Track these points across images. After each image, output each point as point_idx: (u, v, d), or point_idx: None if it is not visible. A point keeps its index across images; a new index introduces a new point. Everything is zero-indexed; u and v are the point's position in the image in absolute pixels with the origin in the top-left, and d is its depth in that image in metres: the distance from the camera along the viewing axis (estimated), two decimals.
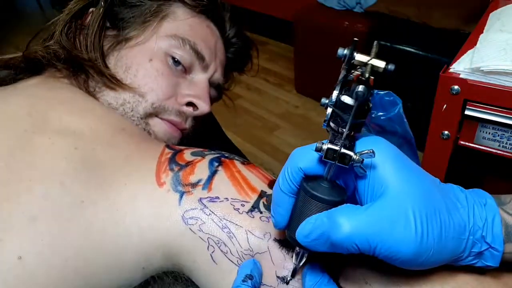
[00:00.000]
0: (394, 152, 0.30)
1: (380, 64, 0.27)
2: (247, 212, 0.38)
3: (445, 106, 0.60)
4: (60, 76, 0.53)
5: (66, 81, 0.53)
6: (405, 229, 0.27)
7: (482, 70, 0.55)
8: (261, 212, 0.38)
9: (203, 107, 0.57)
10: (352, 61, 0.27)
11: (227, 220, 0.37)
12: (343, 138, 0.28)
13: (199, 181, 0.40)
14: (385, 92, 0.58)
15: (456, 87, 0.57)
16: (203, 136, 0.64)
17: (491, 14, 0.73)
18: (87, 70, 0.52)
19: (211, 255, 0.37)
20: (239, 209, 0.38)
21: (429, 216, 0.28)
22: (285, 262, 0.36)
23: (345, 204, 0.29)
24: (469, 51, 0.61)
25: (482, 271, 0.33)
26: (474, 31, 0.69)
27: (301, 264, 0.34)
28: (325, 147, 0.28)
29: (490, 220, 0.30)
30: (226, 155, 0.44)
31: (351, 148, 0.29)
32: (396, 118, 0.58)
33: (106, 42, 0.55)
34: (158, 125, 0.56)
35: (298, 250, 0.33)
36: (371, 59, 0.27)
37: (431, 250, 0.28)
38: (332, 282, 0.33)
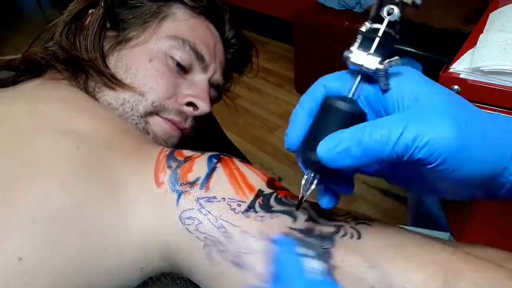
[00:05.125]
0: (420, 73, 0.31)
1: None
2: (243, 212, 0.38)
3: None
4: (60, 77, 0.53)
5: (66, 83, 0.53)
6: (444, 121, 0.27)
7: (482, 70, 0.55)
8: (256, 212, 0.38)
9: (203, 107, 0.57)
10: None
11: (223, 220, 0.37)
12: (374, 46, 0.30)
13: (197, 179, 0.40)
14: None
15: (456, 87, 0.57)
16: (203, 136, 0.64)
17: (491, 14, 0.73)
18: (87, 71, 0.52)
19: (207, 254, 0.37)
20: (235, 209, 0.38)
21: (468, 117, 0.28)
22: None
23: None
24: (469, 51, 0.61)
25: None
26: (474, 31, 0.69)
27: (308, 193, 0.33)
28: (353, 48, 0.30)
29: None
30: (225, 154, 0.44)
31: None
32: None
33: (106, 42, 0.55)
34: (158, 124, 0.56)
35: (307, 176, 0.32)
36: None
37: (476, 143, 0.27)
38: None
